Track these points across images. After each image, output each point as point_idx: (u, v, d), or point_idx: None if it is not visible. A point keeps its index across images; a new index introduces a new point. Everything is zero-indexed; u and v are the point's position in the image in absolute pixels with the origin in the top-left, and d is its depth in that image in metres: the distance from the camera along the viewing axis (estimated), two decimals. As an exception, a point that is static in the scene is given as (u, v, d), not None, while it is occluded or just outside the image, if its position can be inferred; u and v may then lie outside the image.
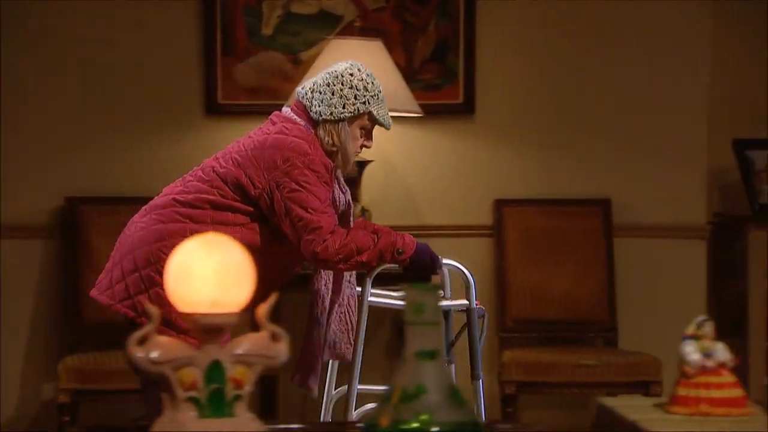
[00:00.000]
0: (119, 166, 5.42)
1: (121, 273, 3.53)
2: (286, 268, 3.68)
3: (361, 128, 3.63)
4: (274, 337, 2.12)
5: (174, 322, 3.16)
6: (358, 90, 3.59)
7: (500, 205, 5.53)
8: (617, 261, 5.50)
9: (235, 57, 5.44)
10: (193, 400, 2.06)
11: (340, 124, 3.58)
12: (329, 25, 5.46)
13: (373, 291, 3.76)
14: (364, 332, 3.75)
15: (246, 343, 2.11)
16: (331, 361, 3.91)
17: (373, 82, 3.62)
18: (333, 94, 3.57)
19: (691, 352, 2.81)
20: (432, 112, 5.47)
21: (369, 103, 3.60)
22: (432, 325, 1.80)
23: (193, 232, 3.38)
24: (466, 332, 3.83)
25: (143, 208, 3.64)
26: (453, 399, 1.81)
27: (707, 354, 2.82)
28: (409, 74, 5.45)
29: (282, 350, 2.12)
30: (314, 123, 3.59)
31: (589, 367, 5.10)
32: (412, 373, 1.80)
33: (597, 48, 5.60)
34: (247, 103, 5.44)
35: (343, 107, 3.57)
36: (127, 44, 5.45)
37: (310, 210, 3.48)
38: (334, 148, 3.60)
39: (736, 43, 5.80)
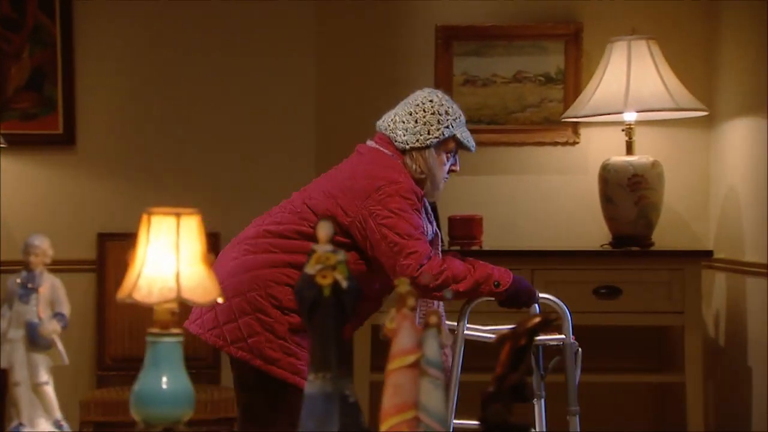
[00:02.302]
0: None
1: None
2: (377, 298, 3.63)
3: (447, 153, 3.67)
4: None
5: (264, 353, 3.45)
6: (440, 115, 3.64)
7: (104, 239, 5.33)
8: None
9: None
10: None
11: (427, 151, 3.63)
12: None
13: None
14: (460, 366, 3.71)
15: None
16: None
17: (452, 106, 3.68)
18: (417, 122, 3.63)
19: None
20: (29, 143, 5.29)
21: (452, 126, 3.65)
22: None
23: (284, 263, 3.49)
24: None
25: (232, 240, 3.67)
26: None
27: None
28: (2, 103, 5.25)
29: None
30: (401, 153, 3.64)
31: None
32: None
33: (203, 77, 5.44)
34: None
35: (429, 133, 3.62)
36: None
37: (405, 236, 3.48)
38: (423, 176, 3.64)
39: (339, 86, 5.67)
